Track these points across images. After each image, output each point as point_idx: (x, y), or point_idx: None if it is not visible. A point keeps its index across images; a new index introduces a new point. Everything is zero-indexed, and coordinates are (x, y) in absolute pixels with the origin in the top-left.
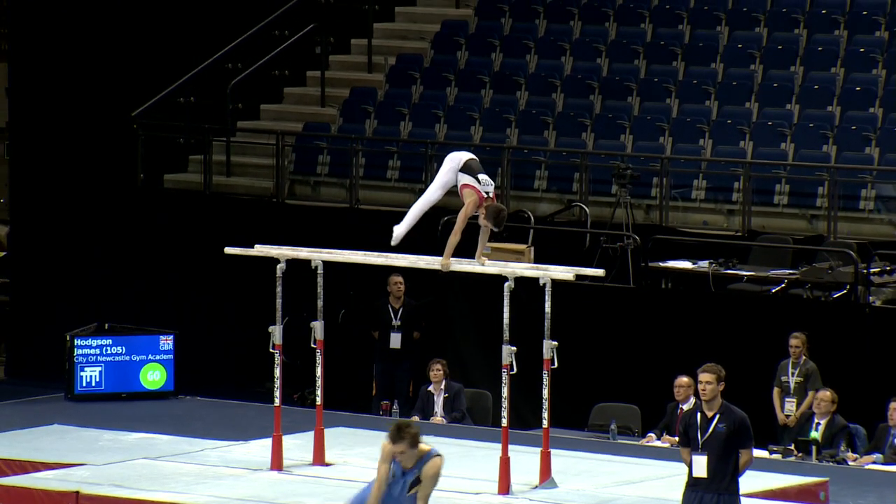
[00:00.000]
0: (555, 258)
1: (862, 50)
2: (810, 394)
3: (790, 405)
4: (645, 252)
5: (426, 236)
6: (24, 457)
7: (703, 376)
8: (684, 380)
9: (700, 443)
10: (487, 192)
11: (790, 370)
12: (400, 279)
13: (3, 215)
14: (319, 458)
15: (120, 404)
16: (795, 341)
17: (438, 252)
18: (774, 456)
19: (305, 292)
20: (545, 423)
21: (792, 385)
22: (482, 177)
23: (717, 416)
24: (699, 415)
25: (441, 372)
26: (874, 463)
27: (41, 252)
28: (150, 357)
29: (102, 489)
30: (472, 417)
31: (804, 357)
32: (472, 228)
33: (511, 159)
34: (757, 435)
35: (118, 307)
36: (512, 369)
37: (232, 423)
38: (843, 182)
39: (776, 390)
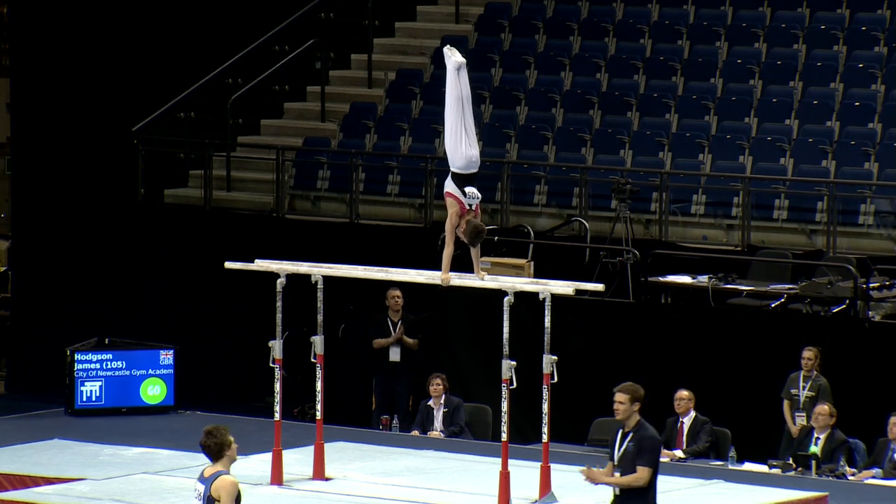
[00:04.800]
0: (554, 273)
1: (861, 65)
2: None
3: (801, 419)
4: (644, 267)
5: (425, 251)
6: (24, 471)
7: (617, 396)
8: (684, 393)
9: (616, 459)
10: (470, 205)
11: (801, 383)
12: (398, 293)
13: (4, 230)
14: (319, 473)
15: (120, 419)
16: (808, 354)
17: (439, 265)
18: (774, 470)
19: (305, 307)
20: (545, 438)
21: (802, 399)
22: (469, 189)
23: (630, 435)
24: (619, 432)
25: (441, 387)
26: (874, 478)
27: (42, 267)
28: (151, 372)
29: None
30: (472, 432)
31: (816, 371)
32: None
33: (511, 174)
34: (757, 448)
35: (118, 322)
36: (512, 384)
37: (232, 437)
38: (843, 197)
39: (786, 403)
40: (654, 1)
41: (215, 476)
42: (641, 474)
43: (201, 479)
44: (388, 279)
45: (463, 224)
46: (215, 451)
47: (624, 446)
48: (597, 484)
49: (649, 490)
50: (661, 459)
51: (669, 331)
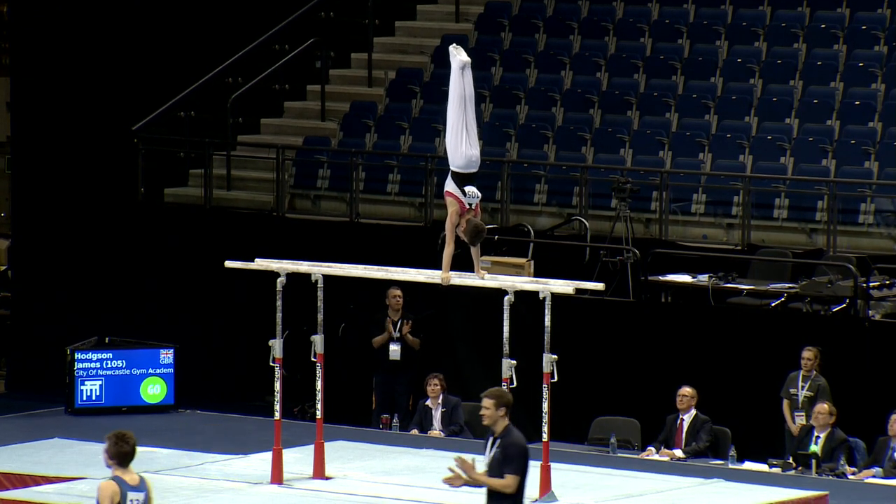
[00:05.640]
0: (554, 272)
1: (861, 64)
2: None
3: (800, 419)
4: (644, 266)
5: (425, 250)
6: (24, 471)
7: (483, 402)
8: (688, 390)
9: (486, 465)
10: (470, 204)
11: (800, 383)
12: (398, 292)
13: (4, 229)
14: (319, 472)
15: (120, 418)
16: (808, 354)
17: (439, 264)
18: (774, 469)
19: (305, 306)
20: (545, 437)
21: (801, 399)
22: (468, 188)
23: (498, 441)
24: (490, 438)
25: (438, 387)
26: (874, 477)
27: (42, 266)
28: (151, 371)
29: None
30: (472, 431)
31: (815, 372)
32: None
33: (511, 173)
34: (757, 447)
35: (118, 321)
36: (512, 383)
37: (232, 436)
38: (843, 196)
39: (785, 402)
40: (654, 0)
41: (142, 479)
42: (509, 482)
43: (131, 487)
44: (388, 278)
45: (463, 223)
46: (132, 455)
47: (492, 452)
48: (463, 483)
49: (517, 496)
50: (662, 458)
51: (669, 330)
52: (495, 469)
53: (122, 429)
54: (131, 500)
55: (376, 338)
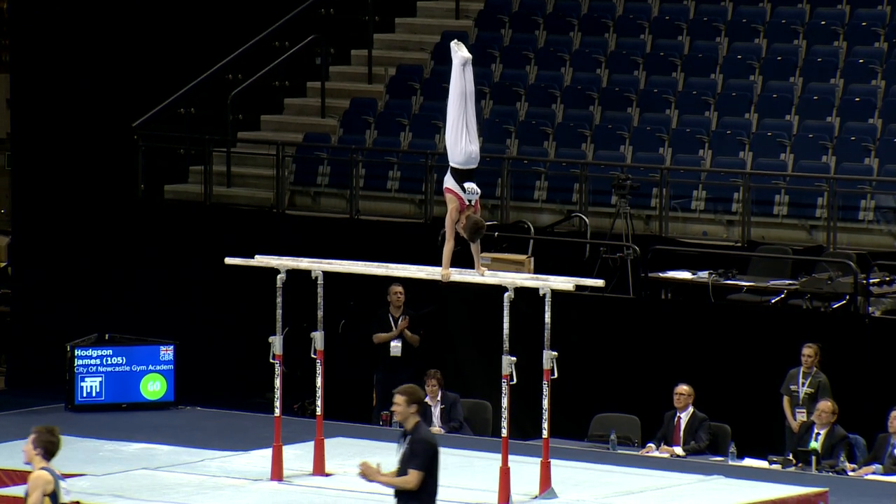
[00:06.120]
0: (555, 269)
1: (861, 61)
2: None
3: (801, 416)
4: (645, 262)
5: (425, 246)
6: (24, 468)
7: (395, 398)
8: (684, 388)
9: (398, 461)
10: (470, 201)
11: (800, 380)
12: (400, 289)
13: (4, 226)
14: (319, 469)
15: (120, 415)
16: (808, 351)
17: (439, 261)
18: (774, 466)
19: (306, 303)
20: (545, 434)
21: (801, 395)
22: (468, 185)
23: (409, 437)
24: (402, 434)
25: (436, 386)
26: (874, 473)
27: (42, 262)
28: (151, 367)
29: (103, 500)
30: (472, 428)
31: (815, 368)
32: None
33: (511, 170)
34: (757, 444)
35: (119, 317)
36: (512, 380)
37: (232, 433)
38: (843, 193)
39: (786, 399)
40: None
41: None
42: (411, 477)
43: (60, 476)
44: (389, 275)
45: (463, 220)
46: (57, 448)
47: (403, 448)
48: (371, 481)
49: (422, 493)
50: (662, 455)
51: (669, 327)
52: (403, 465)
53: (50, 424)
54: (63, 489)
55: (380, 335)
